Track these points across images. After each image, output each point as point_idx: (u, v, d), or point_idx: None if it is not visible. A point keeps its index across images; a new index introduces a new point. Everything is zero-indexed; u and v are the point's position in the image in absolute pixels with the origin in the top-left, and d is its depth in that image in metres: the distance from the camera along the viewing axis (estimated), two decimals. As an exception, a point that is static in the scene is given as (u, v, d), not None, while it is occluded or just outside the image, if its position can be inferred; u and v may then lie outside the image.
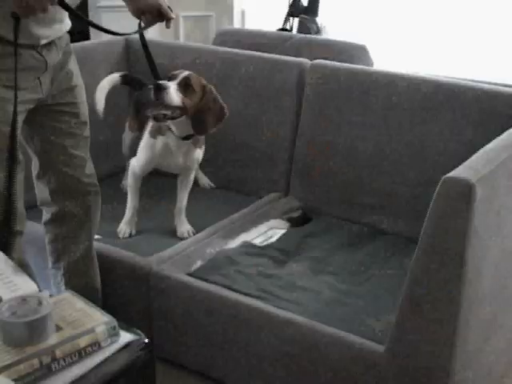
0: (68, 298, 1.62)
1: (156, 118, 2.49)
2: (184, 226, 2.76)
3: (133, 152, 3.03)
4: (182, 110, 2.50)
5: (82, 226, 2.41)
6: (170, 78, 2.52)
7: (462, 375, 1.97)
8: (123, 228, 2.75)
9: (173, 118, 2.51)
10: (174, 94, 2.45)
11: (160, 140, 2.66)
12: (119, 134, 3.17)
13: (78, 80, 2.29)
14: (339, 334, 2.11)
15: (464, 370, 1.99)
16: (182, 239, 2.70)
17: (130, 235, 2.75)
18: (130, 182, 2.79)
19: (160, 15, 2.31)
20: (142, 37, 2.39)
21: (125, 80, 3.06)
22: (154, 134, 2.68)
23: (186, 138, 2.63)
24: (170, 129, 2.61)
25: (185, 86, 2.51)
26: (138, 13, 2.30)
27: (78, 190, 2.33)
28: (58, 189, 2.31)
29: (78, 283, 2.42)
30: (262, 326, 2.24)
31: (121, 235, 2.74)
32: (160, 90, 2.42)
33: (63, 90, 2.22)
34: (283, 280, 2.41)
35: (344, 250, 2.65)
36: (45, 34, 2.06)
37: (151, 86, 2.45)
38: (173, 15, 2.34)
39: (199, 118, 2.54)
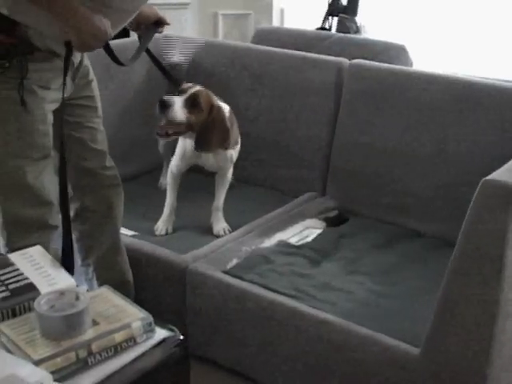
0: (104, 293, 1.63)
1: (159, 135, 2.50)
2: (220, 224, 2.76)
3: (167, 150, 3.05)
4: (187, 126, 2.49)
5: (105, 221, 2.41)
6: (180, 92, 2.51)
7: (498, 379, 1.95)
8: (160, 226, 2.76)
9: (177, 134, 2.53)
10: (178, 110, 2.44)
11: (188, 141, 2.66)
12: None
13: (93, 74, 2.31)
14: (373, 335, 2.10)
15: (500, 374, 1.97)
16: (217, 237, 2.70)
17: (167, 233, 2.75)
18: (168, 181, 2.80)
19: (156, 23, 2.32)
20: (148, 51, 2.36)
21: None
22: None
23: None
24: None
25: (192, 103, 2.49)
26: (135, 25, 2.29)
27: (98, 183, 2.34)
28: (78, 184, 2.31)
29: (109, 278, 2.42)
30: (295, 325, 2.23)
31: (157, 233, 2.75)
32: (165, 106, 2.42)
33: (82, 85, 2.24)
34: (317, 280, 2.41)
35: (379, 250, 2.64)
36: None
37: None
38: (168, 21, 2.36)
39: (203, 135, 2.52)
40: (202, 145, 2.54)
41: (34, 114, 2.05)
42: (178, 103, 2.44)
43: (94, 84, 2.31)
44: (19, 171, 2.05)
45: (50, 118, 2.11)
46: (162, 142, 3.12)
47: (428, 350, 1.97)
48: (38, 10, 1.88)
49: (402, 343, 2.05)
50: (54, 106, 2.12)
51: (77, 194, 2.33)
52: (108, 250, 2.45)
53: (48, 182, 2.13)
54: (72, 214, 2.35)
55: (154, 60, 2.41)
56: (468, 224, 1.79)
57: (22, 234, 2.09)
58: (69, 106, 2.19)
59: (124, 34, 2.52)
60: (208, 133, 2.52)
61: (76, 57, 2.14)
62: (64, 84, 2.04)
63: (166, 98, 2.44)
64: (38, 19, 1.93)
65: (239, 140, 2.81)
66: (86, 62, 2.26)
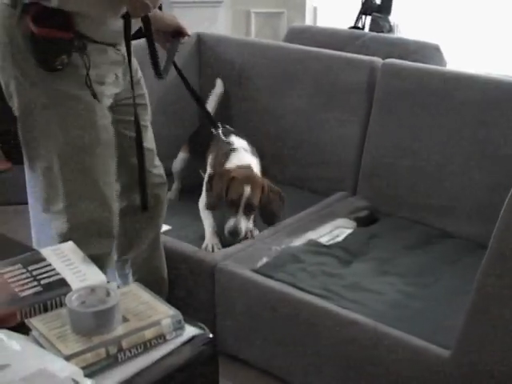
0: (134, 289, 1.64)
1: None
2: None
3: (181, 172, 3.08)
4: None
5: (151, 219, 2.43)
6: (233, 204, 2.59)
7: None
8: (209, 244, 2.64)
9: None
10: (243, 227, 2.58)
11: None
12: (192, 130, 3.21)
13: (140, 72, 2.32)
14: (403, 337, 2.08)
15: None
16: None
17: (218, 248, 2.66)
18: (202, 215, 2.78)
19: (177, 33, 2.33)
20: (175, 65, 2.37)
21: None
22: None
23: None
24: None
25: (249, 208, 2.59)
26: (156, 34, 2.27)
27: (149, 182, 2.34)
28: (129, 182, 2.32)
29: (145, 275, 2.44)
30: (324, 325, 2.23)
31: (209, 249, 2.64)
32: (236, 233, 2.57)
33: (134, 83, 2.23)
34: (347, 280, 2.40)
35: (410, 251, 2.62)
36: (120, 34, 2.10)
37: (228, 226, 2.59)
38: (189, 32, 2.36)
39: (266, 211, 2.68)
40: (270, 219, 2.72)
41: (95, 110, 2.07)
42: (242, 224, 2.58)
43: (143, 82, 2.32)
44: (90, 170, 2.09)
45: (109, 113, 2.13)
46: (178, 161, 3.15)
47: (459, 352, 1.95)
48: None
49: (433, 345, 2.04)
50: (109, 101, 2.14)
51: (126, 191, 2.34)
52: (149, 246, 2.47)
53: (113, 184, 2.17)
54: (120, 211, 2.35)
55: (180, 74, 2.42)
56: (501, 226, 1.77)
57: (87, 241, 2.07)
58: (123, 105, 2.21)
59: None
60: (269, 207, 2.68)
61: (124, 52, 2.15)
62: (129, 62, 2.09)
63: (233, 228, 2.56)
64: (88, 3, 1.94)
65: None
66: (135, 60, 2.26)
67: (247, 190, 2.58)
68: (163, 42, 2.34)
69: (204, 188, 2.79)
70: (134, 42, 2.27)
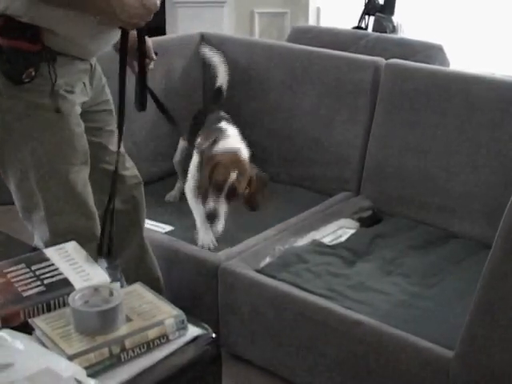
0: (138, 289, 1.64)
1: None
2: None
3: (182, 162, 3.06)
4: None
5: (131, 221, 2.41)
6: (217, 187, 2.54)
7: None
8: (204, 241, 2.65)
9: None
10: (223, 212, 2.53)
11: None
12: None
13: (104, 77, 2.30)
14: (408, 337, 2.08)
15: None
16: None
17: (214, 246, 2.65)
18: (188, 199, 2.75)
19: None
20: (151, 93, 2.28)
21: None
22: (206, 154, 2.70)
23: None
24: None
25: (232, 193, 2.55)
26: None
27: (122, 185, 2.32)
28: (103, 188, 2.25)
29: (138, 276, 2.41)
30: (329, 325, 2.23)
31: (206, 247, 2.64)
32: (213, 218, 2.52)
33: (99, 90, 2.24)
34: (352, 280, 2.40)
35: (415, 251, 2.62)
36: (99, 48, 2.10)
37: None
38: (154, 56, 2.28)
39: (251, 199, 2.64)
40: (252, 207, 2.66)
41: (68, 119, 2.05)
42: (222, 208, 2.53)
43: (107, 87, 2.30)
44: (68, 179, 2.06)
45: (81, 121, 2.12)
46: (178, 153, 3.12)
47: (462, 352, 1.95)
48: (57, 10, 1.88)
49: (437, 345, 2.03)
50: (79, 109, 2.12)
51: (102, 198, 2.28)
52: (135, 248, 2.45)
53: (91, 191, 2.15)
54: (101, 217, 2.30)
55: (156, 102, 2.32)
56: (505, 226, 1.77)
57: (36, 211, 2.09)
58: (89, 112, 2.19)
59: (160, 32, 2.53)
60: (254, 195, 2.63)
61: (93, 60, 2.15)
62: (84, 84, 2.09)
63: (213, 212, 2.52)
64: (60, 20, 1.93)
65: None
66: (98, 65, 2.25)
67: (233, 175, 2.53)
68: (130, 62, 2.21)
69: (190, 172, 2.78)
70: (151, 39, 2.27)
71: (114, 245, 2.24)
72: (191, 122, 3.05)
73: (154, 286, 2.42)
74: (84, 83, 2.13)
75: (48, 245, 2.03)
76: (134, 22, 1.96)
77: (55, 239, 2.05)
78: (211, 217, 2.52)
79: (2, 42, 1.91)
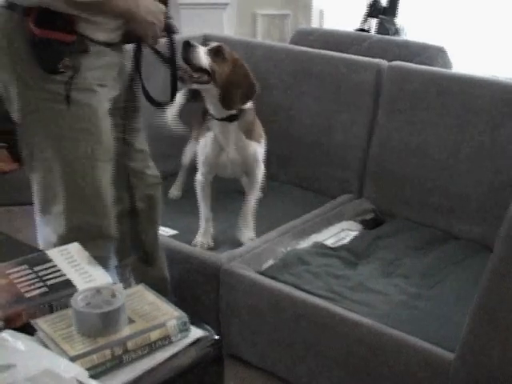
0: (140, 291, 1.64)
1: (182, 79, 2.41)
2: (246, 233, 2.71)
3: (189, 161, 3.05)
4: (210, 75, 2.46)
5: (149, 220, 2.42)
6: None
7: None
8: (199, 241, 2.68)
9: (200, 83, 2.47)
10: (202, 55, 2.43)
11: (208, 136, 2.65)
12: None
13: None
14: (407, 338, 2.08)
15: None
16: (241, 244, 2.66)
17: (208, 247, 2.67)
18: (198, 193, 2.74)
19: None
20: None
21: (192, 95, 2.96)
22: (203, 133, 2.68)
23: (228, 119, 2.58)
24: (209, 114, 2.60)
25: (215, 53, 2.47)
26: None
27: (144, 183, 2.35)
28: (122, 184, 2.30)
29: (147, 277, 2.41)
30: (329, 326, 2.23)
31: (198, 248, 2.66)
32: (189, 47, 2.40)
33: (128, 86, 2.25)
34: (353, 281, 2.40)
35: (415, 253, 2.62)
36: (117, 34, 2.11)
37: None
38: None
39: (228, 90, 2.49)
40: (227, 101, 2.51)
41: (97, 114, 2.06)
42: (202, 49, 2.44)
43: (136, 83, 2.29)
44: (93, 174, 2.08)
45: (109, 116, 2.13)
46: (188, 153, 3.07)
47: (463, 354, 1.95)
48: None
49: (437, 347, 2.04)
50: (108, 105, 2.13)
51: (123, 195, 2.32)
52: (149, 247, 2.46)
53: (111, 190, 2.16)
54: (116, 215, 2.32)
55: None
56: (506, 227, 1.77)
57: (85, 244, 2.09)
58: (117, 108, 2.20)
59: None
60: (233, 86, 2.49)
61: (122, 54, 2.16)
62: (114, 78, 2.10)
63: (190, 40, 2.43)
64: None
65: (263, 136, 2.76)
66: (127, 61, 2.25)
67: (224, 44, 2.54)
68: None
69: (198, 163, 2.76)
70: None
71: (127, 244, 2.26)
72: (199, 120, 3.04)
73: (162, 286, 2.45)
74: (114, 78, 2.14)
75: (62, 239, 2.05)
76: (151, 21, 2.01)
77: (70, 234, 2.06)
78: (186, 54, 2.41)
79: (38, 33, 1.91)
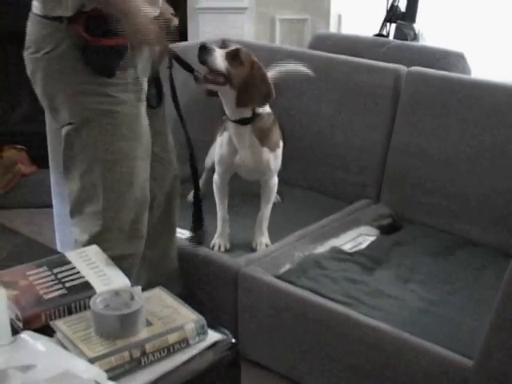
0: (158, 294, 1.65)
1: (195, 78, 2.41)
2: (259, 238, 2.69)
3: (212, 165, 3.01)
4: (226, 78, 2.44)
5: (166, 214, 2.46)
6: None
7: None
8: (217, 242, 2.67)
9: (216, 83, 2.45)
10: (219, 58, 2.41)
11: (224, 136, 2.64)
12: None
13: None
14: (425, 345, 2.07)
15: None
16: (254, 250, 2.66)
17: (226, 249, 2.66)
18: (215, 194, 2.73)
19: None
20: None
21: None
22: (221, 133, 2.68)
23: (242, 122, 2.56)
24: (225, 116, 2.59)
25: (233, 57, 2.45)
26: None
27: (169, 174, 2.40)
28: (154, 176, 2.32)
29: (158, 276, 2.41)
30: (347, 331, 2.23)
31: (215, 250, 2.66)
32: (206, 51, 2.38)
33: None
34: (370, 287, 2.39)
35: (433, 259, 2.61)
36: None
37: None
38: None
39: (244, 90, 2.46)
40: (242, 99, 2.48)
41: (140, 112, 2.11)
42: (218, 52, 2.43)
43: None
44: (133, 173, 2.12)
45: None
46: (210, 148, 3.02)
47: (481, 361, 1.94)
48: None
49: (455, 354, 2.03)
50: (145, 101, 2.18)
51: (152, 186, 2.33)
52: (164, 245, 2.49)
53: (148, 186, 2.21)
54: None
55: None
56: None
57: (119, 242, 2.14)
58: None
59: (182, 38, 2.56)
60: (249, 87, 2.47)
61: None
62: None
63: (207, 43, 2.42)
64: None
65: (281, 145, 2.72)
66: None
67: (242, 47, 2.53)
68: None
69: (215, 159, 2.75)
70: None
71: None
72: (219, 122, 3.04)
73: (173, 276, 2.45)
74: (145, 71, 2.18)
75: (94, 239, 2.09)
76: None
77: (105, 233, 2.12)
78: (204, 48, 2.39)
79: (91, 40, 1.94)
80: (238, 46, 2.53)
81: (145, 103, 2.15)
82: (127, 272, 2.02)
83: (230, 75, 2.45)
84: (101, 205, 2.11)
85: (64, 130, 2.09)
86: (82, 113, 2.04)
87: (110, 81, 2.01)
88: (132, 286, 1.66)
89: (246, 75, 2.47)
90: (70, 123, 2.06)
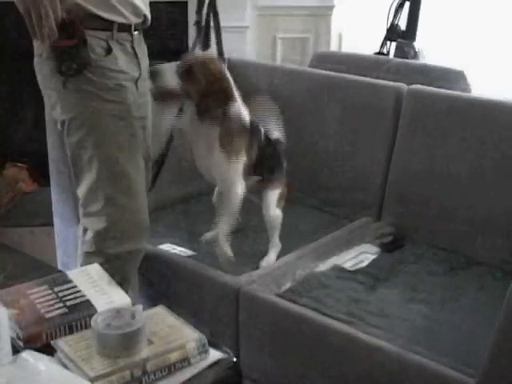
0: (160, 312, 1.65)
1: (155, 98, 2.39)
2: (264, 258, 2.69)
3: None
4: (183, 95, 2.39)
5: None
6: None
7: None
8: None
9: (173, 100, 2.42)
10: (169, 78, 2.35)
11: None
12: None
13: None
14: (428, 364, 2.06)
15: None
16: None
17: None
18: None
19: None
20: None
21: None
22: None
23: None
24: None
25: (187, 72, 2.37)
26: None
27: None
28: None
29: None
30: (350, 351, 2.21)
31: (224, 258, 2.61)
32: (155, 74, 2.35)
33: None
34: (373, 305, 2.39)
35: (436, 278, 2.60)
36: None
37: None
38: None
39: (203, 103, 2.40)
40: (202, 112, 2.42)
41: (132, 104, 2.23)
42: (169, 71, 2.35)
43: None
44: (131, 167, 2.21)
45: None
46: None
47: (484, 380, 1.93)
48: None
49: (458, 373, 2.01)
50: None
51: None
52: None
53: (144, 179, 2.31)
54: None
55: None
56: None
57: (124, 238, 2.22)
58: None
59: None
60: (208, 99, 2.39)
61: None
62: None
63: (156, 66, 2.37)
64: None
65: (241, 153, 2.56)
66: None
67: (199, 60, 2.44)
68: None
69: None
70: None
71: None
72: None
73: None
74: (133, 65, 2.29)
75: (99, 235, 2.20)
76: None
77: (111, 228, 2.20)
78: (153, 72, 2.36)
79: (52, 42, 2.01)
80: (193, 60, 2.44)
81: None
82: (134, 266, 2.22)
83: (185, 91, 2.39)
84: (103, 201, 2.18)
85: (61, 127, 2.20)
86: (72, 110, 2.15)
87: (90, 77, 2.11)
88: (133, 305, 1.66)
89: (203, 86, 2.39)
90: (63, 121, 2.18)
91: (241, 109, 2.55)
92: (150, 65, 2.37)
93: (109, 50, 2.14)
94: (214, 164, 2.54)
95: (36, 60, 2.20)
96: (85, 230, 2.28)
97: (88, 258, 2.23)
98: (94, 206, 2.20)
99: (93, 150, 2.15)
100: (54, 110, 2.20)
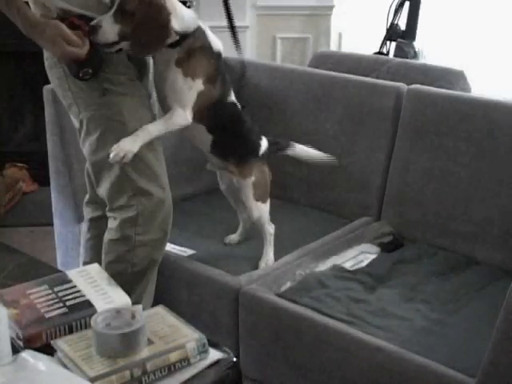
0: (160, 312, 1.65)
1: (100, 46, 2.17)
2: (263, 258, 2.68)
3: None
4: (124, 38, 2.14)
5: None
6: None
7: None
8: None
9: (116, 46, 2.17)
10: (108, 29, 2.11)
11: None
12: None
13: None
14: (429, 364, 2.06)
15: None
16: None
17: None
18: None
19: None
20: None
21: None
22: None
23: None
24: None
25: (122, 12, 2.12)
26: None
27: None
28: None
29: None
30: (350, 351, 2.21)
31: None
32: (94, 31, 2.12)
33: None
34: (373, 305, 2.39)
35: (436, 278, 2.60)
36: None
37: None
38: None
39: (137, 36, 2.15)
40: (138, 47, 2.19)
41: (142, 99, 2.34)
42: (106, 22, 2.11)
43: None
44: (157, 161, 2.29)
45: None
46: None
47: (484, 380, 1.93)
48: None
49: (458, 373, 2.01)
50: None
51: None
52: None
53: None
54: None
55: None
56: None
57: (152, 226, 2.26)
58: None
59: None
60: (142, 33, 2.15)
61: None
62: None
63: (93, 23, 2.12)
64: None
65: (200, 79, 2.34)
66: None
67: None
68: None
69: None
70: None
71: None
72: None
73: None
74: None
75: (134, 221, 2.23)
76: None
77: (139, 218, 2.24)
78: (92, 32, 2.13)
79: None
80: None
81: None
82: (159, 255, 2.29)
83: (127, 34, 2.15)
84: (130, 191, 2.22)
85: (80, 126, 2.26)
86: (89, 108, 2.20)
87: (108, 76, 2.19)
88: (133, 304, 1.66)
89: (138, 20, 2.14)
90: (81, 120, 2.23)
91: (210, 35, 2.41)
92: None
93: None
94: (169, 82, 2.31)
95: (47, 63, 2.25)
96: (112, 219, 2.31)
97: (113, 246, 2.26)
98: (121, 199, 2.23)
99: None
100: (71, 110, 2.26)
